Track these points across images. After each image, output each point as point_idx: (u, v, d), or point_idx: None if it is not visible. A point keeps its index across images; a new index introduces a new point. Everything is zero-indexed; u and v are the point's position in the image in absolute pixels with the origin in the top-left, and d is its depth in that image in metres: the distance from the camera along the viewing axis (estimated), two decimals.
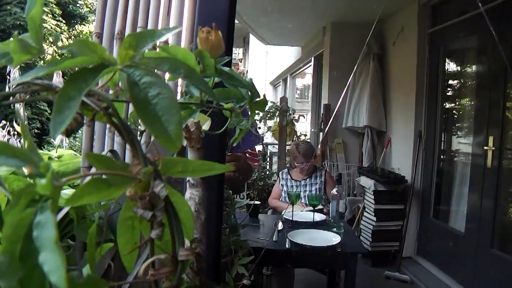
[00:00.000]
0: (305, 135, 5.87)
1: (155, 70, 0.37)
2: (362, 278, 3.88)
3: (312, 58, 6.14)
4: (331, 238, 2.28)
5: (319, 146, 5.25)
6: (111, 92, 0.42)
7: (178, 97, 0.89)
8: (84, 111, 0.38)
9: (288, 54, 8.05)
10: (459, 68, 4.00)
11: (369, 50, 4.76)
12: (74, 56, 0.36)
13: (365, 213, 4.22)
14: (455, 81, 4.05)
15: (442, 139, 4.04)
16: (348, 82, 4.87)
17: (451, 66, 4.07)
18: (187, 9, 0.91)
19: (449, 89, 4.06)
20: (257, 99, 0.49)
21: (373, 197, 4.04)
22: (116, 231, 0.93)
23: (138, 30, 0.91)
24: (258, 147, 5.47)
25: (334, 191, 2.61)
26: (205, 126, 0.50)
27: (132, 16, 0.90)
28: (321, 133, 5.21)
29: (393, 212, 4.02)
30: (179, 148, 0.33)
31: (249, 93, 0.48)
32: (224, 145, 0.68)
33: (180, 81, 0.78)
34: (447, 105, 4.04)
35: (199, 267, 0.44)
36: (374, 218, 4.01)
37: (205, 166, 0.40)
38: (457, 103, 4.01)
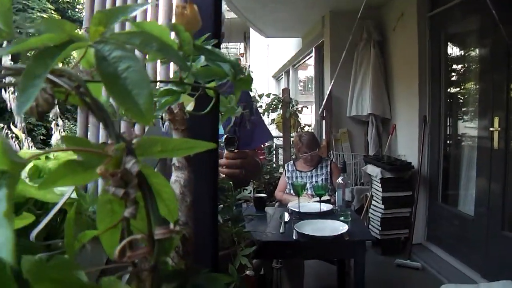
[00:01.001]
0: (309, 126, 5.84)
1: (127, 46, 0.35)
2: (373, 267, 3.87)
3: (313, 49, 6.09)
4: (339, 227, 2.26)
5: (324, 137, 5.23)
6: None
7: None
8: (57, 94, 0.37)
9: (289, 46, 8.00)
10: (461, 51, 3.95)
11: (369, 37, 4.72)
12: (41, 34, 0.35)
13: (373, 202, 4.20)
14: (458, 65, 4.00)
15: (448, 123, 4.00)
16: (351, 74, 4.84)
17: (453, 50, 4.02)
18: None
19: (452, 72, 4.02)
20: (241, 76, 0.47)
21: (380, 185, 4.01)
22: None
23: (127, 24, 0.90)
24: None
25: (339, 180, 2.59)
26: (189, 107, 0.49)
27: (121, 4, 0.89)
28: (323, 121, 5.16)
29: (401, 199, 3.99)
30: (151, 122, 0.32)
31: (232, 70, 0.46)
32: (215, 128, 0.66)
33: (172, 65, 0.77)
34: (451, 89, 3.99)
35: (186, 250, 0.43)
36: (382, 206, 3.99)
37: (187, 144, 0.38)
38: (461, 86, 3.96)
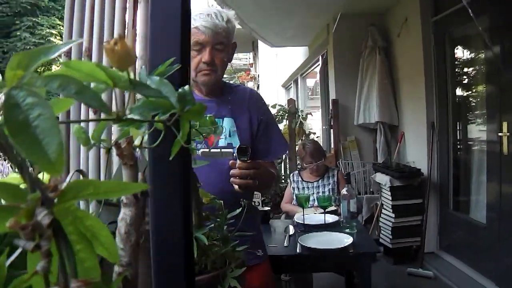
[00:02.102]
0: (314, 133, 5.80)
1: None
2: (384, 276, 3.80)
3: (320, 57, 6.08)
4: (343, 240, 2.23)
5: (332, 145, 5.19)
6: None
7: None
8: None
9: (297, 55, 7.99)
10: (467, 55, 3.89)
11: (374, 44, 4.69)
12: None
13: (383, 210, 4.14)
14: (464, 68, 3.94)
15: (457, 128, 3.93)
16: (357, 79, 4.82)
17: (458, 54, 3.96)
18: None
19: (458, 77, 3.96)
20: (189, 107, 0.46)
21: (389, 193, 3.95)
22: None
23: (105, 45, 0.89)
24: None
25: (344, 191, 2.56)
26: (137, 141, 0.48)
27: (98, 31, 0.89)
28: (331, 130, 5.13)
29: (411, 207, 3.92)
30: (61, 172, 0.31)
31: (179, 102, 0.45)
32: (187, 159, 0.65)
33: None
34: (458, 93, 3.93)
35: None
36: (393, 215, 3.92)
37: (118, 186, 0.37)
38: (468, 91, 3.90)
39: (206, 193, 1.14)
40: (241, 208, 1.18)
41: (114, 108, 0.44)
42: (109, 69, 0.39)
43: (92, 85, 0.42)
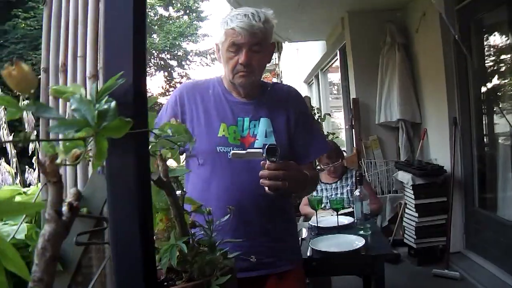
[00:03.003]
0: (333, 134, 5.72)
1: None
2: (409, 277, 3.72)
3: (337, 51, 6.00)
4: (355, 242, 2.19)
5: (354, 145, 5.12)
6: None
7: None
8: None
9: (316, 49, 7.80)
10: (487, 46, 3.75)
11: (393, 40, 4.59)
12: None
13: (406, 210, 4.04)
14: (485, 61, 3.79)
15: (483, 122, 3.79)
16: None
17: (479, 45, 3.81)
18: None
19: (481, 69, 3.81)
20: (107, 124, 0.46)
21: (412, 192, 3.86)
22: (65, 261, 0.93)
23: (78, 60, 0.92)
24: None
25: (356, 192, 2.52)
26: (59, 159, 0.49)
27: (72, 47, 0.91)
28: (353, 130, 5.06)
29: (435, 206, 3.82)
30: None
31: (98, 119, 0.45)
32: (143, 172, 0.66)
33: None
34: (481, 87, 3.78)
35: None
36: (416, 214, 3.83)
37: (15, 207, 0.38)
38: (491, 83, 3.74)
39: (193, 200, 1.15)
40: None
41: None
42: (8, 98, 0.40)
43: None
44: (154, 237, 1.06)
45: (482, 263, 3.50)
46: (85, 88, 0.52)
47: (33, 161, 2.13)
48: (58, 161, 0.49)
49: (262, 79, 1.66)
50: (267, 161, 1.29)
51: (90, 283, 0.84)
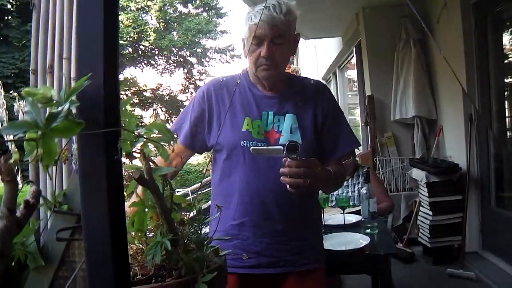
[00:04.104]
0: None
1: None
2: (423, 277, 3.67)
3: (354, 48, 5.93)
4: (360, 240, 2.16)
5: (369, 142, 5.06)
6: None
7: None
8: None
9: (333, 45, 7.73)
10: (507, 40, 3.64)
11: (408, 36, 4.51)
12: None
13: (421, 208, 3.98)
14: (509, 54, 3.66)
15: (502, 119, 3.68)
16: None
17: (503, 38, 3.67)
18: None
19: (501, 64, 3.69)
20: (56, 125, 0.47)
21: (426, 189, 3.79)
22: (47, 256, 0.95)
23: (64, 61, 0.94)
24: None
25: (363, 190, 2.48)
26: (12, 159, 0.50)
27: (58, 48, 0.93)
28: (368, 127, 5.00)
29: (450, 204, 3.74)
30: None
31: (47, 120, 0.46)
32: (114, 171, 0.67)
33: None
34: (502, 82, 3.66)
35: None
36: (430, 212, 3.76)
37: None
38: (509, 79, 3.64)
39: (183, 198, 1.15)
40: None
41: None
42: None
43: None
44: (146, 234, 1.08)
45: (499, 264, 3.42)
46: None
47: None
48: (11, 161, 0.50)
49: (290, 73, 1.65)
50: (288, 158, 1.26)
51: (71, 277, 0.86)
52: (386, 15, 4.74)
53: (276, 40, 1.39)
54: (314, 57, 10.13)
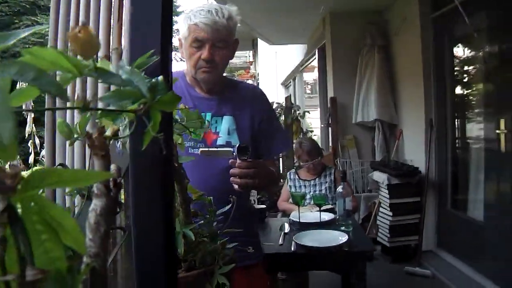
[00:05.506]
0: (311, 131, 5.78)
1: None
2: (382, 275, 3.79)
3: (316, 50, 6.06)
4: (338, 238, 2.21)
5: (330, 144, 5.18)
6: None
7: None
8: None
9: (296, 53, 7.94)
10: (466, 53, 3.88)
11: (373, 42, 4.67)
12: None
13: (380, 209, 4.12)
14: (463, 66, 3.92)
15: (456, 126, 3.92)
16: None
17: (457, 51, 3.94)
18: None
19: (457, 74, 3.94)
20: (160, 97, 0.45)
21: (387, 191, 3.94)
22: None
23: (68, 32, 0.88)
24: None
25: (339, 188, 2.54)
26: (108, 132, 0.47)
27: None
28: (329, 128, 5.12)
29: (409, 205, 3.91)
30: (15, 157, 0.30)
31: (150, 91, 0.44)
32: (168, 151, 0.64)
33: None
34: (457, 91, 3.91)
35: (94, 283, 0.40)
36: (390, 213, 3.91)
37: (82, 175, 0.36)
38: (466, 88, 3.88)
39: (195, 189, 1.13)
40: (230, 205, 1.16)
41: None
42: (72, 58, 0.38)
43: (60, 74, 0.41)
44: None
45: (453, 262, 3.62)
46: None
47: (29, 144, 2.04)
48: (107, 133, 0.47)
49: (235, 77, 1.67)
50: (238, 160, 1.31)
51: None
52: (352, 20, 4.89)
53: (217, 44, 1.42)
54: (274, 63, 10.35)
